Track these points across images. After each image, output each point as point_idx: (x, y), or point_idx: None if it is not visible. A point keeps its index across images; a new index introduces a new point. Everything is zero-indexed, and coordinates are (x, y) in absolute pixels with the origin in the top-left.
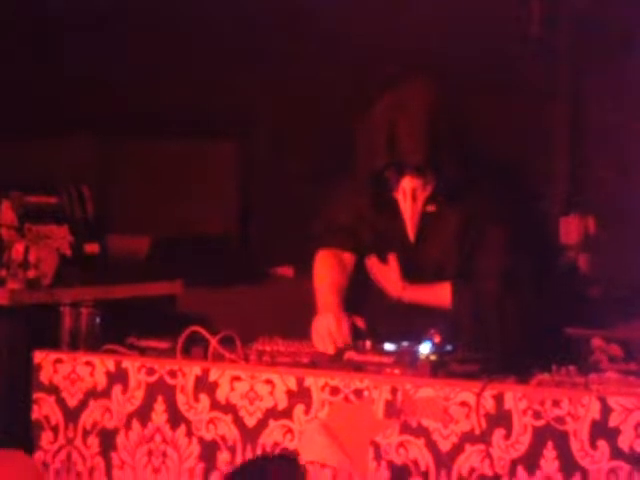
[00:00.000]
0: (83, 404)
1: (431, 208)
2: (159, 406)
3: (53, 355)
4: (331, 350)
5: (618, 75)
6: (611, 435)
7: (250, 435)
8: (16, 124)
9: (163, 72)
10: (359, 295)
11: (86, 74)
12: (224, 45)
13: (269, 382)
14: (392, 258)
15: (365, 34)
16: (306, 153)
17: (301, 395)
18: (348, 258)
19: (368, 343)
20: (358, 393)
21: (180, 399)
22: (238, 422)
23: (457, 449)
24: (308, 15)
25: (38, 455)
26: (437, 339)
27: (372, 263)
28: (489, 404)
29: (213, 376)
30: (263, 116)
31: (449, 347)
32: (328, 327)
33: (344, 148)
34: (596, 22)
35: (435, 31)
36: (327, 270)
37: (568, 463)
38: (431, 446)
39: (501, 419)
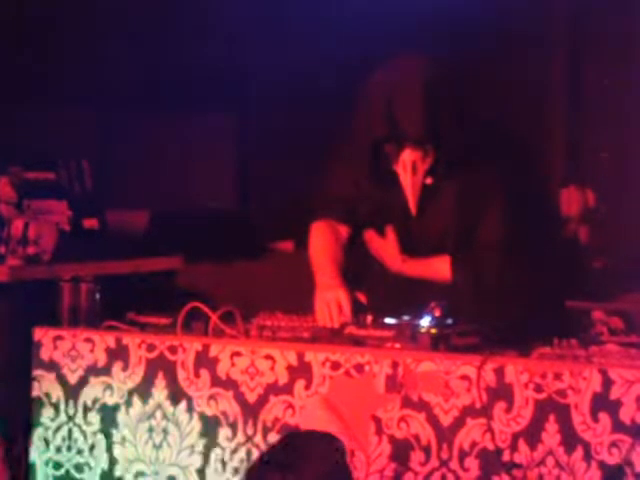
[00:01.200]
0: (83, 381)
1: (431, 180)
2: (160, 382)
3: (53, 332)
4: (337, 325)
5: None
6: (613, 408)
7: (251, 411)
8: (14, 97)
9: (162, 44)
10: (359, 269)
11: (85, 47)
12: (223, 20)
13: (270, 357)
14: (390, 231)
15: (359, 1)
16: (306, 126)
17: (302, 370)
18: (343, 230)
19: (369, 317)
20: (359, 368)
21: (181, 375)
22: (239, 398)
23: (458, 423)
24: None
25: (38, 432)
26: (438, 313)
27: (370, 236)
28: (490, 377)
29: (214, 352)
30: (263, 89)
31: (450, 321)
32: (336, 302)
33: (344, 122)
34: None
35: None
36: (324, 243)
37: (570, 436)
38: (432, 420)
39: (502, 393)
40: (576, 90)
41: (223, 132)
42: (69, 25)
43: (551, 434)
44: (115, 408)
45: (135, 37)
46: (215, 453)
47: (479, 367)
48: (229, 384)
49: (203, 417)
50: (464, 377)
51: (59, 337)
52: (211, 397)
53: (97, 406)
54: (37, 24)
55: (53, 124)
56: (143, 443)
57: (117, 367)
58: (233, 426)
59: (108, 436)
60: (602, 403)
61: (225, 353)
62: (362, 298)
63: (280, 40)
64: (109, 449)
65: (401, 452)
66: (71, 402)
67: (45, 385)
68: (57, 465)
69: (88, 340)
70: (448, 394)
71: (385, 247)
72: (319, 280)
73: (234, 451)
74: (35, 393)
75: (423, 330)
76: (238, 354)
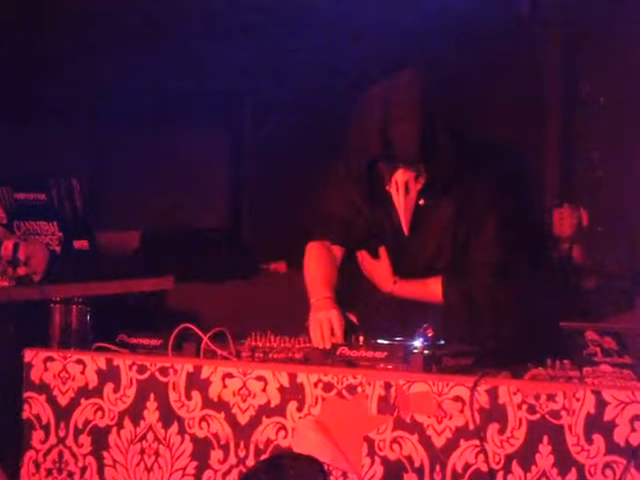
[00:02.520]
0: (74, 402)
1: (424, 201)
2: (151, 404)
3: (44, 353)
4: (329, 346)
5: (608, 61)
6: (606, 429)
7: (243, 432)
8: (5, 118)
9: (155, 64)
10: (351, 290)
11: (77, 66)
12: (218, 37)
13: (261, 379)
14: (383, 252)
15: (355, 19)
16: (300, 147)
17: (294, 391)
18: (338, 251)
19: (361, 338)
20: (351, 389)
21: (172, 396)
22: (231, 419)
23: (451, 444)
24: (305, 4)
25: (29, 455)
26: (430, 334)
27: (364, 257)
28: (483, 399)
29: (205, 373)
30: (255, 109)
31: (442, 341)
32: (329, 323)
33: (338, 142)
34: (588, 3)
35: (424, 20)
36: (318, 263)
37: (563, 458)
38: (425, 441)
39: (495, 414)
40: (570, 109)
41: (216, 152)
42: (62, 45)
43: (544, 455)
44: (106, 430)
45: (128, 57)
46: (207, 475)
47: (472, 388)
48: (221, 406)
49: (195, 439)
50: (457, 398)
51: (50, 358)
52: (203, 419)
53: (88, 428)
54: (29, 45)
55: (43, 145)
56: (134, 465)
57: (108, 388)
58: (225, 448)
59: (99, 458)
60: (596, 424)
61: (217, 374)
62: (354, 319)
63: (274, 62)
64: (100, 472)
65: (394, 474)
66: (62, 424)
67: (36, 407)
68: None
69: (79, 361)
70: (441, 415)
71: (377, 268)
72: (312, 301)
73: (226, 473)
74: (26, 415)
75: (416, 351)
76: (230, 375)
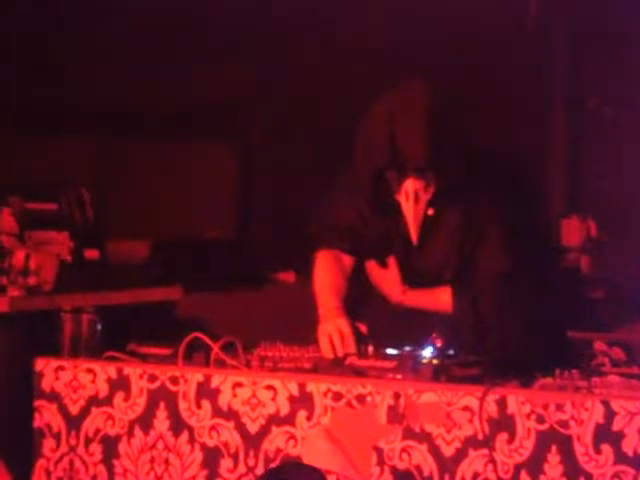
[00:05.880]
0: (85, 411)
1: (432, 210)
2: (161, 413)
3: (54, 362)
4: (338, 355)
5: (617, 70)
6: (615, 439)
7: (253, 442)
8: (15, 127)
9: (163, 74)
10: (360, 300)
11: (86, 76)
12: (225, 46)
13: (271, 388)
14: (392, 262)
15: (364, 32)
16: (307, 156)
17: (303, 401)
18: (347, 260)
19: (370, 348)
20: (360, 398)
21: (182, 406)
22: (240, 428)
23: (460, 454)
24: (309, 14)
25: (40, 463)
26: (439, 343)
27: (372, 267)
28: (492, 408)
29: (215, 382)
30: (263, 119)
31: (451, 351)
32: (338, 332)
33: (345, 150)
34: (593, 14)
35: (430, 27)
36: (328, 273)
37: (572, 467)
38: (434, 451)
39: (504, 423)
40: (577, 119)
41: (224, 162)
42: (69, 54)
43: (553, 465)
44: (117, 439)
45: (137, 67)
46: None
47: (481, 398)
48: (230, 415)
49: (205, 448)
50: (466, 408)
51: (60, 368)
52: (212, 428)
53: (99, 437)
54: (36, 53)
55: (54, 154)
56: (145, 474)
57: (118, 398)
58: (235, 457)
59: (110, 467)
60: (604, 434)
61: (226, 384)
62: (363, 329)
63: (282, 72)
64: None
65: None
66: (73, 433)
67: (47, 416)
68: None
69: (89, 371)
70: (450, 425)
71: (386, 278)
72: (321, 311)
73: None
74: (37, 424)
75: (425, 361)
76: (239, 385)
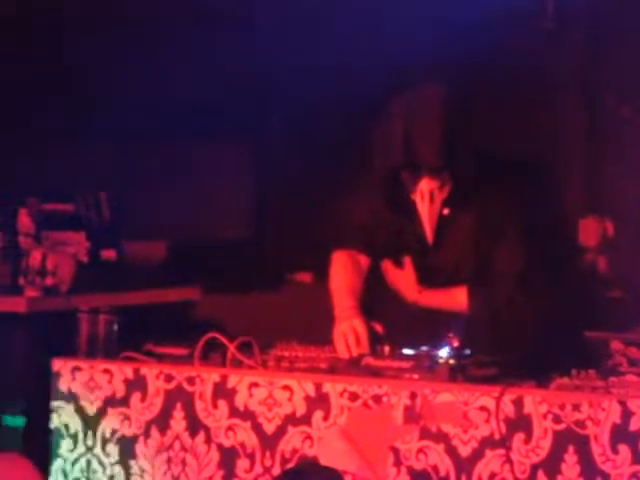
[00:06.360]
0: (102, 412)
1: (448, 210)
2: (178, 413)
3: (71, 363)
4: (354, 355)
5: (635, 70)
6: (632, 439)
7: (269, 442)
8: (33, 131)
9: (178, 76)
10: (376, 299)
11: (102, 79)
12: (239, 46)
13: (287, 388)
14: (408, 262)
15: (378, 31)
16: (324, 157)
17: (320, 401)
18: (364, 260)
19: (386, 348)
20: (377, 399)
21: (199, 406)
22: (257, 429)
23: (477, 454)
24: (322, 14)
25: (57, 463)
26: (455, 343)
27: (388, 267)
28: (509, 408)
29: (231, 382)
30: (280, 119)
31: (468, 351)
32: (354, 332)
33: (361, 151)
34: (611, 14)
35: (446, 27)
36: (344, 273)
37: (589, 468)
38: (451, 451)
39: (521, 423)
40: (595, 119)
41: (240, 163)
42: (85, 58)
43: (570, 465)
44: (133, 439)
45: (151, 69)
46: None
47: (498, 398)
48: (247, 415)
49: (221, 448)
50: (483, 408)
51: (77, 368)
52: (229, 428)
53: (115, 437)
54: (53, 58)
55: (71, 156)
56: (161, 474)
57: (135, 398)
58: (251, 457)
59: (126, 467)
60: (622, 434)
61: (243, 384)
62: (379, 329)
63: (297, 71)
64: None
65: None
66: (90, 433)
67: (64, 416)
68: None
69: (106, 371)
70: (466, 425)
71: (402, 278)
72: (337, 311)
73: None
74: (54, 424)
75: (441, 361)
76: (256, 385)
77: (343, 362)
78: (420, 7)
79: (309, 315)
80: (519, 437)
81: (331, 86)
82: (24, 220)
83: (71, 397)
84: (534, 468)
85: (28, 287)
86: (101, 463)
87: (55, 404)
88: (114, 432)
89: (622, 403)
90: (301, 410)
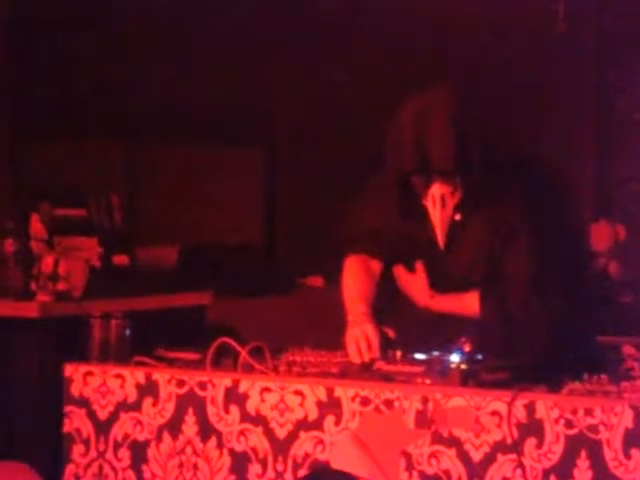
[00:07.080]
0: (114, 417)
1: (459, 215)
2: (189, 418)
3: (83, 368)
4: (366, 360)
5: None
6: None
7: (281, 447)
8: (43, 134)
9: (191, 81)
10: (388, 304)
11: (114, 82)
12: (251, 55)
13: (299, 393)
14: (420, 267)
15: (390, 35)
16: (334, 161)
17: (331, 406)
18: (376, 265)
19: (398, 353)
20: (389, 403)
21: (210, 411)
22: (269, 434)
23: (489, 459)
24: (338, 20)
25: (70, 468)
26: (467, 348)
27: (400, 272)
28: (520, 413)
29: (243, 387)
30: (290, 124)
31: (479, 356)
32: (365, 337)
33: (371, 155)
34: (622, 16)
35: (461, 31)
36: (356, 278)
37: (602, 473)
38: (463, 456)
39: (533, 428)
40: (606, 123)
41: (253, 168)
42: (97, 62)
43: (582, 470)
44: (145, 444)
45: (164, 73)
46: None
47: (509, 403)
48: (259, 420)
49: (233, 453)
50: (494, 413)
51: (89, 373)
52: (241, 433)
53: (127, 442)
54: (64, 62)
55: (82, 161)
56: (173, 479)
57: (147, 403)
58: (263, 462)
59: (138, 472)
60: (634, 439)
61: (255, 389)
62: (391, 333)
63: (308, 78)
64: None
65: None
66: (102, 438)
67: (76, 421)
68: None
69: (118, 376)
70: (478, 430)
71: (414, 283)
72: (349, 316)
73: None
74: (66, 429)
75: (453, 366)
76: (267, 390)
77: (355, 367)
78: (431, 7)
79: (321, 319)
80: (531, 442)
81: (343, 90)
82: (36, 225)
83: (83, 402)
84: (546, 473)
85: (40, 292)
86: (113, 468)
87: (67, 409)
88: (126, 437)
89: (634, 408)
90: (313, 415)
